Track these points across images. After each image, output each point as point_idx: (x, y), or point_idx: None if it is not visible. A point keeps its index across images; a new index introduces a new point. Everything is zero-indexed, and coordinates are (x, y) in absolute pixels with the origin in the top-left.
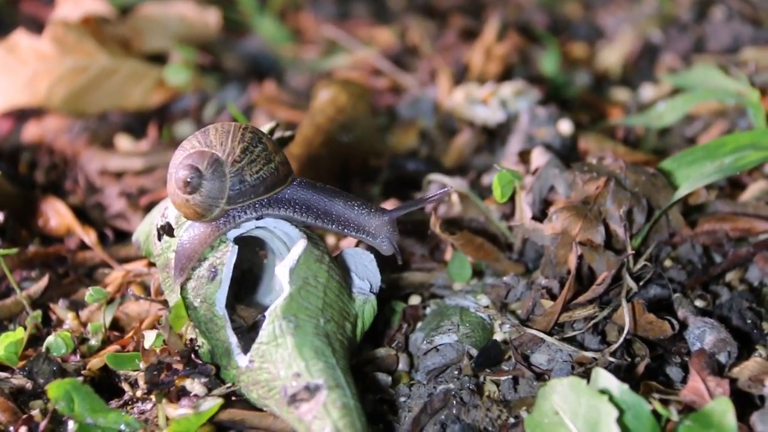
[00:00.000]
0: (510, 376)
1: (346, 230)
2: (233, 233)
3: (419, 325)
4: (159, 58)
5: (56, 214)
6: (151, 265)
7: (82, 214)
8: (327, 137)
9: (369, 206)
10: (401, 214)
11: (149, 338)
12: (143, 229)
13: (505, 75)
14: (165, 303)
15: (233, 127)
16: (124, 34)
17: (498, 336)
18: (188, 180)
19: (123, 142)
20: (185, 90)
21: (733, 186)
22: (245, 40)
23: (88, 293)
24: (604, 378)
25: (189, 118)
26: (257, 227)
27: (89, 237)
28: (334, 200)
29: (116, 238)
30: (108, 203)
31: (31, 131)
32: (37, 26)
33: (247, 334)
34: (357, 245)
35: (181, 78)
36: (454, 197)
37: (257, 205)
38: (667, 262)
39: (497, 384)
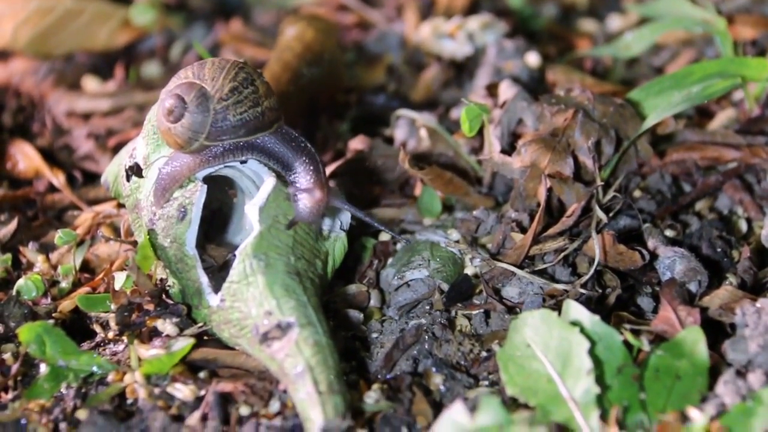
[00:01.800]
0: (481, 310)
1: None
2: (202, 173)
3: (390, 261)
4: None
5: (24, 157)
6: (121, 206)
7: (50, 156)
8: (294, 74)
9: (319, 179)
10: (340, 207)
11: (119, 279)
12: (112, 170)
13: (472, 8)
14: (135, 244)
15: (229, 64)
16: None
17: (469, 270)
18: (172, 109)
19: (90, 83)
20: (151, 30)
21: (701, 115)
22: None
23: (58, 235)
24: (575, 310)
25: (156, 58)
26: (226, 166)
27: (58, 179)
28: (297, 157)
29: (85, 180)
30: (76, 145)
31: None
32: None
33: (218, 273)
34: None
35: (147, 17)
36: (423, 132)
37: (239, 146)
38: (637, 193)
39: (469, 318)
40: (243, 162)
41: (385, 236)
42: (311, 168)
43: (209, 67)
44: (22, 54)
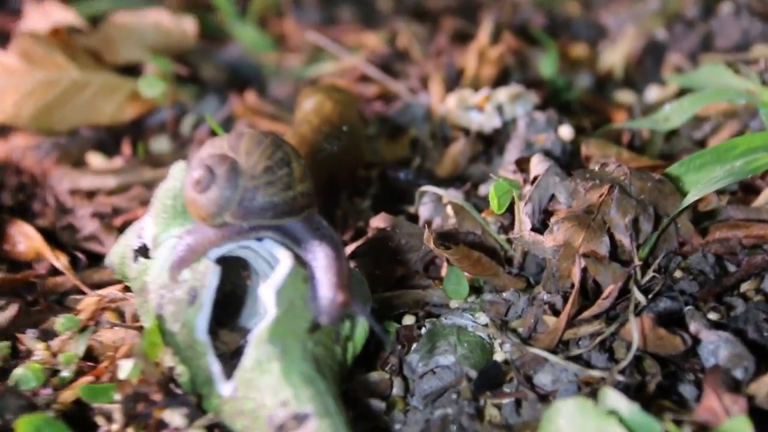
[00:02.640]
0: (512, 399)
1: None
2: (214, 253)
3: (414, 346)
4: (133, 70)
5: (24, 238)
6: (127, 289)
7: (52, 237)
8: (312, 148)
9: (342, 280)
10: (359, 313)
11: (125, 368)
12: (118, 251)
13: (501, 79)
14: (141, 330)
15: (268, 140)
16: (96, 45)
17: (498, 356)
18: (200, 180)
19: (95, 159)
20: (161, 103)
21: (745, 190)
22: (224, 49)
23: (60, 321)
24: (612, 398)
25: (165, 133)
26: (240, 247)
27: (60, 261)
28: (322, 250)
29: (89, 262)
30: (80, 225)
31: None
32: (3, 39)
33: (230, 360)
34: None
35: (157, 90)
36: (449, 209)
37: (264, 227)
38: (678, 273)
39: (499, 407)
40: (259, 240)
41: (408, 320)
42: (336, 266)
43: (246, 140)
44: (24, 129)
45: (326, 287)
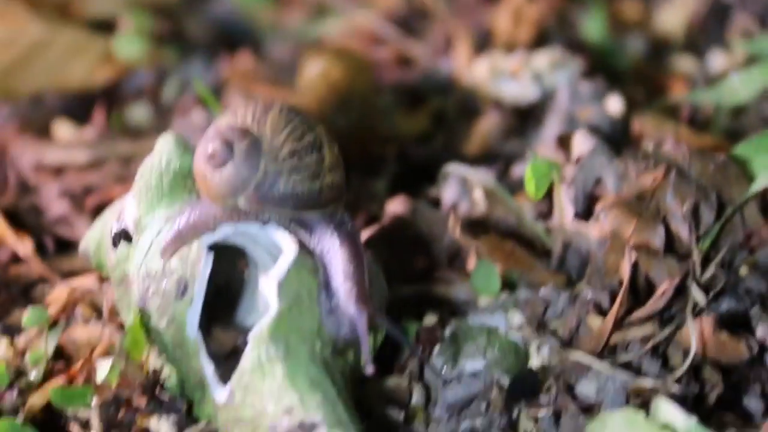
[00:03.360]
0: (550, 411)
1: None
2: (207, 239)
3: (437, 349)
4: (106, 26)
5: None
6: (104, 279)
7: (14, 219)
8: (320, 121)
9: (363, 291)
10: (380, 324)
11: (102, 369)
12: (93, 236)
13: (539, 42)
14: (122, 326)
15: (299, 119)
16: None
17: (534, 362)
18: (215, 154)
19: (63, 129)
20: (139, 64)
21: None
22: (213, 2)
23: (26, 315)
24: (666, 410)
25: (144, 99)
26: (237, 232)
27: (24, 247)
28: (343, 253)
29: (58, 248)
30: (46, 205)
31: None
32: None
33: (226, 362)
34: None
35: (134, 50)
36: (478, 193)
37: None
38: (743, 270)
39: (535, 420)
40: (264, 222)
41: (430, 319)
42: (357, 275)
43: (274, 115)
44: None
45: (345, 298)
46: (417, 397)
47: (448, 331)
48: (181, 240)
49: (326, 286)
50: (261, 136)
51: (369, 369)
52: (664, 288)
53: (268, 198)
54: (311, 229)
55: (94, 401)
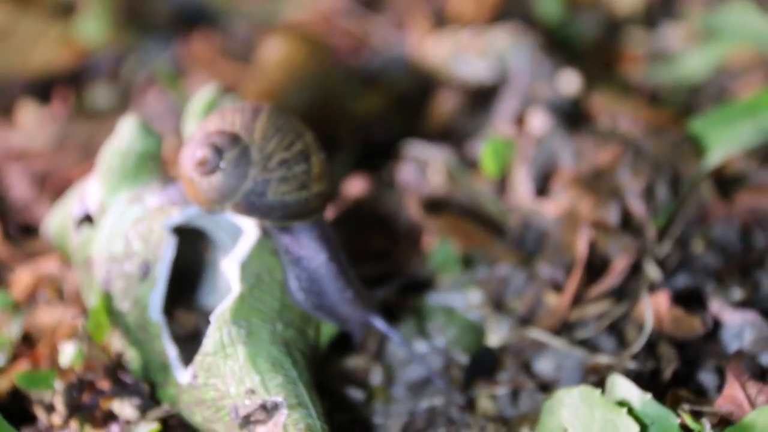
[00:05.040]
0: (508, 389)
1: (316, 312)
2: (170, 221)
3: (396, 329)
4: (67, 9)
5: None
6: (67, 262)
7: None
8: (278, 101)
9: (360, 295)
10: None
11: (66, 353)
12: (56, 219)
13: (496, 20)
14: (85, 309)
15: (289, 126)
16: None
17: (493, 340)
18: (204, 160)
19: (25, 113)
20: (100, 47)
21: None
22: None
23: None
24: (622, 387)
25: (104, 81)
26: (198, 215)
27: None
28: (328, 265)
29: (19, 232)
30: (8, 188)
31: None
32: None
33: (188, 344)
34: None
35: (95, 32)
36: (436, 172)
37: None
38: (698, 246)
39: (493, 398)
40: None
41: (389, 299)
42: (353, 281)
43: (264, 121)
44: None
45: (350, 306)
46: (377, 377)
47: (407, 311)
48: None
49: (296, 263)
50: (250, 143)
51: (407, 349)
52: (620, 265)
53: (255, 206)
54: (295, 235)
55: (58, 385)
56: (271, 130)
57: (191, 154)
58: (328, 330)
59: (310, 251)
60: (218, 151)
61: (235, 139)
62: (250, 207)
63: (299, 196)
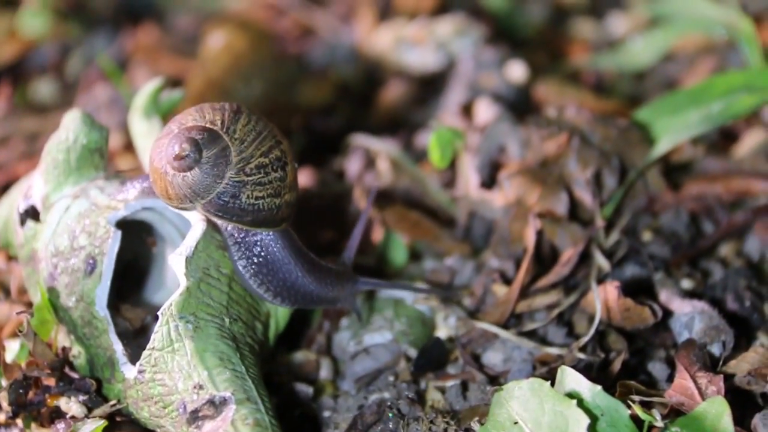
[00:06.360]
0: (457, 381)
1: (304, 304)
2: (114, 216)
3: (344, 322)
4: (10, 2)
5: None
6: (11, 258)
7: None
8: (223, 92)
9: (340, 276)
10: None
11: (11, 349)
12: (0, 215)
13: (442, 9)
14: (30, 305)
15: (268, 132)
16: None
17: (441, 332)
18: (183, 155)
19: None
20: (43, 40)
21: (725, 138)
22: None
23: None
24: (572, 378)
25: (48, 75)
26: (144, 208)
27: None
28: (306, 275)
29: None
30: None
31: None
32: None
33: (135, 339)
34: None
35: (38, 25)
36: (382, 163)
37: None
38: (647, 235)
39: (442, 391)
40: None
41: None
42: (325, 279)
43: (243, 122)
44: None
45: (327, 292)
46: (325, 371)
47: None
48: None
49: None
50: (231, 143)
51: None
52: (568, 255)
53: (227, 208)
54: (260, 240)
55: (3, 382)
56: (252, 134)
57: (167, 147)
58: (275, 325)
59: (277, 259)
60: (198, 148)
61: (216, 137)
62: (221, 208)
63: (272, 203)
